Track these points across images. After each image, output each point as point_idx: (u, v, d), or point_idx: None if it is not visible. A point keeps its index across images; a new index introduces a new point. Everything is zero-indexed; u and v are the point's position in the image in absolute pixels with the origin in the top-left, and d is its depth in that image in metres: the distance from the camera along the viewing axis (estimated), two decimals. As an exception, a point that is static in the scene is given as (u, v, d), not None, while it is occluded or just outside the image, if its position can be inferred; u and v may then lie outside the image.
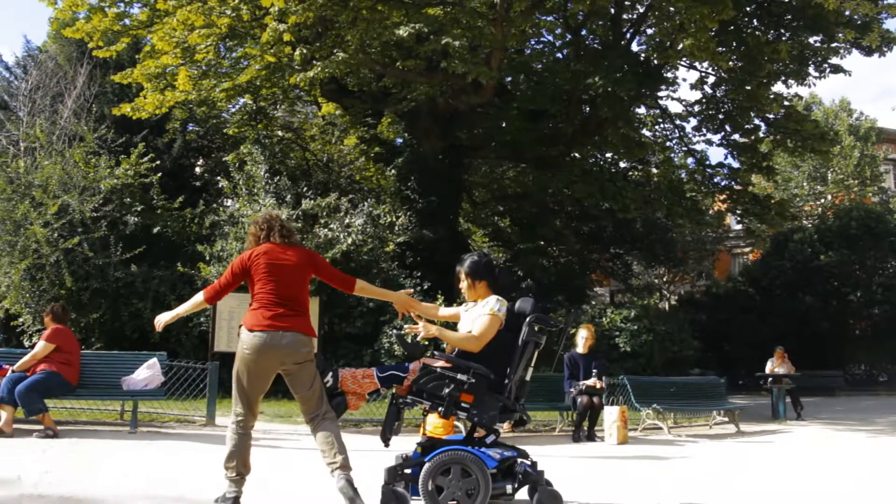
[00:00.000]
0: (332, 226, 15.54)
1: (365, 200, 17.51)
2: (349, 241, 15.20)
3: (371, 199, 18.35)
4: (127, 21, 15.87)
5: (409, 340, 5.12)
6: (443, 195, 18.39)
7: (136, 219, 15.13)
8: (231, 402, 4.96)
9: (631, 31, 17.75)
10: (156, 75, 15.64)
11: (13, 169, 14.62)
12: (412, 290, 5.68)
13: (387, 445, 4.94)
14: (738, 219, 23.53)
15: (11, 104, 19.57)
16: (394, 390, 4.95)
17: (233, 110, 21.95)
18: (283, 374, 4.85)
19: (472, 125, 18.70)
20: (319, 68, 12.85)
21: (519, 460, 4.96)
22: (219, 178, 20.76)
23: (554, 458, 8.26)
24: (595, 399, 10.21)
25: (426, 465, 4.66)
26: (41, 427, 8.31)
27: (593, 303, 20.94)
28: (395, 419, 4.90)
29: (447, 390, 4.74)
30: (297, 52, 13.21)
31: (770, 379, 14.85)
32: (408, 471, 4.81)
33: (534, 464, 5.00)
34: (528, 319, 4.98)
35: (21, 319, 14.71)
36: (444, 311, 5.63)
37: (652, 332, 15.52)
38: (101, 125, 16.81)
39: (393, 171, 19.67)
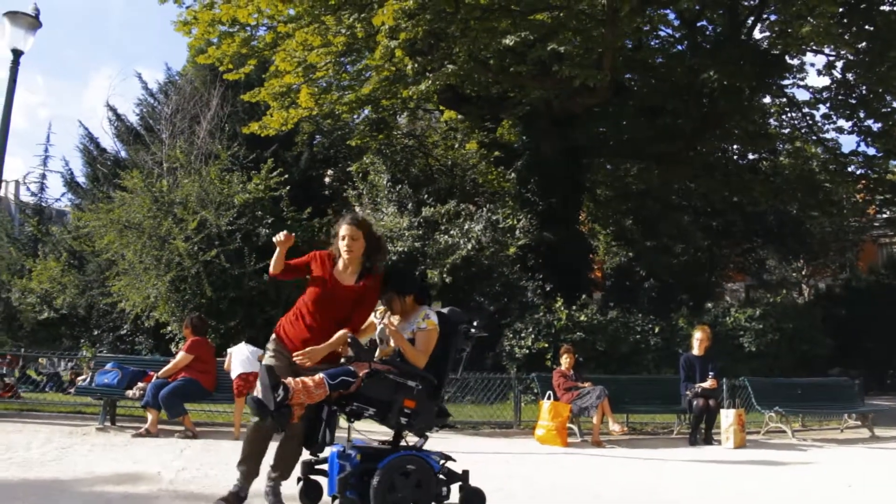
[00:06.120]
0: (451, 232, 15.88)
1: (485, 206, 17.77)
2: (469, 246, 15.49)
3: (491, 204, 18.59)
4: (254, 43, 16.81)
5: (363, 345, 5.01)
6: (563, 196, 18.37)
7: (267, 230, 15.89)
8: None
9: (752, 18, 17.16)
10: (280, 94, 16.49)
11: (157, 188, 15.64)
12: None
13: (319, 453, 4.98)
14: (878, 207, 22.22)
15: (156, 127, 20.99)
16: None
17: (357, 120, 22.61)
18: None
19: (589, 125, 18.59)
20: (430, 81, 13.20)
21: (448, 463, 5.02)
22: (346, 186, 21.55)
23: (666, 462, 8.30)
24: (711, 401, 10.07)
25: (383, 469, 4.64)
26: (182, 428, 9.12)
27: (719, 302, 20.30)
28: (335, 426, 4.87)
29: (395, 396, 4.78)
30: (410, 67, 13.61)
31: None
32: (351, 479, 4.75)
33: (464, 472, 5.07)
34: (460, 328, 5.11)
35: (169, 328, 15.80)
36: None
37: (779, 330, 14.92)
38: (233, 143, 17.72)
39: (513, 174, 19.82)
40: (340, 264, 5.13)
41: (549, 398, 9.97)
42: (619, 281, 23.71)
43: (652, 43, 19.16)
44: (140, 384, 9.62)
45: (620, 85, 18.85)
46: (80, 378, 14.64)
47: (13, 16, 10.76)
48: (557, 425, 9.61)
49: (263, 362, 4.97)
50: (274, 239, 5.09)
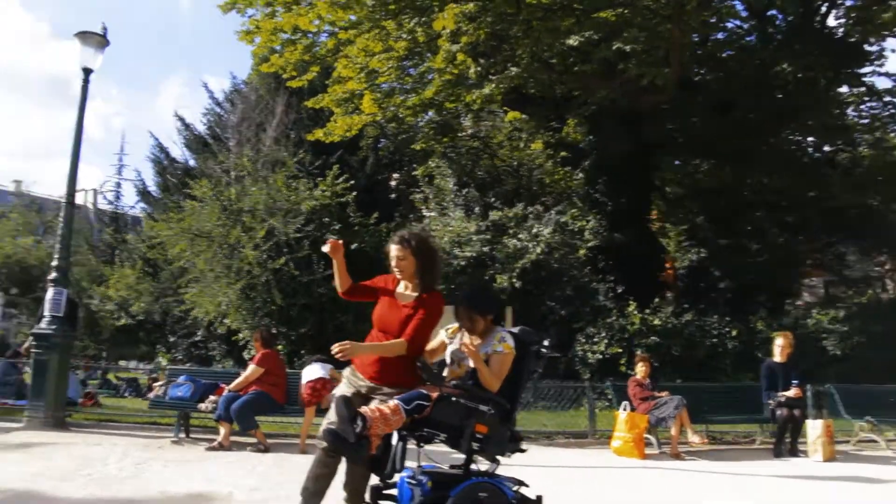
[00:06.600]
0: (520, 235, 15.63)
1: (553, 208, 17.45)
2: (538, 250, 15.22)
3: (559, 205, 18.25)
4: (316, 50, 16.86)
5: (432, 369, 4.86)
6: (632, 196, 17.98)
7: (335, 237, 15.80)
8: None
9: (825, 5, 16.46)
10: (344, 100, 16.48)
11: (226, 197, 15.79)
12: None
13: (389, 480, 4.76)
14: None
15: (223, 136, 21.28)
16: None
17: (421, 123, 22.48)
18: None
19: (657, 123, 18.08)
20: (494, 85, 13.00)
21: (521, 489, 4.79)
22: (413, 190, 21.48)
23: (754, 478, 7.94)
24: (796, 411, 9.64)
25: (456, 498, 4.45)
26: (254, 441, 9.12)
27: (798, 303, 19.56)
28: (405, 451, 4.61)
29: (466, 421, 4.57)
30: (472, 71, 13.42)
31: None
32: None
33: (538, 497, 4.83)
34: (532, 349, 4.92)
35: (241, 335, 15.94)
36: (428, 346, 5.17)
37: (865, 333, 14.27)
38: (299, 150, 17.79)
39: (580, 174, 19.45)
40: (402, 285, 4.98)
41: (625, 409, 9.68)
42: (693, 282, 23.01)
43: (720, 36, 18.54)
44: (212, 397, 9.67)
45: (689, 80, 18.30)
46: (157, 384, 14.91)
47: (83, 36, 10.96)
48: (634, 437, 9.33)
49: (338, 392, 4.82)
50: (323, 248, 4.95)
